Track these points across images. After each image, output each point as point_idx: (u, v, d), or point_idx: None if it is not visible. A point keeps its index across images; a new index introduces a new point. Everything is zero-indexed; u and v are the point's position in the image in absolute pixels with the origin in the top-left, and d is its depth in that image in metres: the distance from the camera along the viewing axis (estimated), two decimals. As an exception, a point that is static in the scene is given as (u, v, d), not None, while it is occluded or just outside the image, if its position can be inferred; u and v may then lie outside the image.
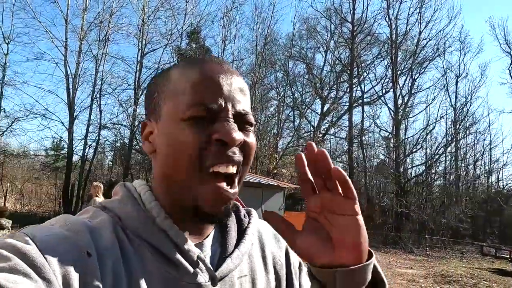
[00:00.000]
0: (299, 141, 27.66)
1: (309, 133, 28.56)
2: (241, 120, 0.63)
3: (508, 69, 28.16)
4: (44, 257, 0.48)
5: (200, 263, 0.62)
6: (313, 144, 0.57)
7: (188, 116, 0.60)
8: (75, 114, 18.80)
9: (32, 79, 32.97)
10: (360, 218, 0.56)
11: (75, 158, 20.05)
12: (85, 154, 19.78)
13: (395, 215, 20.68)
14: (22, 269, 0.46)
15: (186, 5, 20.59)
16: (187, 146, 0.60)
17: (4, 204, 18.95)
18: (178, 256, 0.60)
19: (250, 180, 9.90)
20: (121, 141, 20.89)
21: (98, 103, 19.56)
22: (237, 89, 0.64)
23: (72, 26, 18.32)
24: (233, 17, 22.74)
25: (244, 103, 0.64)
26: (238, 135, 0.60)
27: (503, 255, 16.64)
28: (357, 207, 0.56)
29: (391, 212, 21.94)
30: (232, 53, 22.85)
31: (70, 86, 18.57)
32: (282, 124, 27.17)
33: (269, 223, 0.61)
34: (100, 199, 6.11)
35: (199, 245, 0.66)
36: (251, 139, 0.65)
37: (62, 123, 18.98)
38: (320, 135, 27.77)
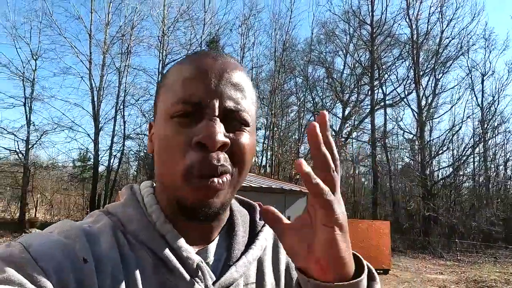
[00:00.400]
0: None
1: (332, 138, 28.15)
2: (232, 118, 0.57)
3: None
4: (39, 266, 0.48)
5: (200, 271, 0.58)
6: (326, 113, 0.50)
7: (174, 113, 0.57)
8: (100, 125, 19.34)
9: (59, 93, 34.12)
10: (338, 233, 0.47)
11: (101, 168, 20.61)
12: (111, 164, 20.29)
13: (422, 219, 20.15)
14: (17, 280, 0.45)
15: (204, 15, 20.95)
16: (171, 146, 0.56)
17: (35, 215, 19.61)
18: (176, 263, 0.57)
19: (273, 186, 9.88)
20: (145, 151, 21.32)
21: (122, 114, 20.08)
22: (229, 84, 0.58)
23: (95, 40, 18.94)
24: (251, 24, 22.96)
25: (237, 100, 0.58)
26: (220, 137, 0.54)
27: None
28: (337, 218, 0.47)
29: (418, 216, 21.39)
30: (251, 60, 23.03)
31: (95, 99, 19.16)
32: (303, 129, 27.06)
33: (261, 216, 0.57)
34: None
35: (203, 251, 0.62)
36: (244, 139, 0.58)
37: (88, 134, 19.56)
38: (342, 139, 27.47)
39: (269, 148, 22.18)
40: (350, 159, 28.30)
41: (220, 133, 0.54)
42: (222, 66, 0.59)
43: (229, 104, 0.57)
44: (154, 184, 0.68)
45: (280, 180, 16.14)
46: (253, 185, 9.47)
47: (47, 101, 19.10)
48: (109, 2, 17.93)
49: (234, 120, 0.57)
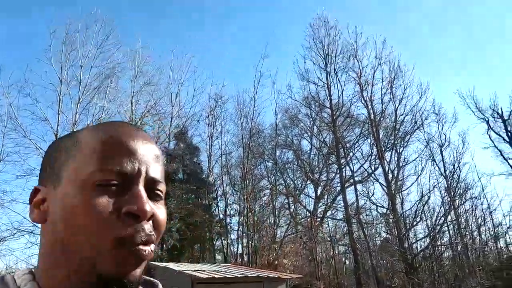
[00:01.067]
0: (297, 228, 27.00)
1: (306, 219, 28.06)
2: (154, 189, 0.58)
3: (487, 134, 29.42)
4: None
5: None
6: None
7: (97, 181, 0.54)
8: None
9: (21, 196, 32.58)
10: None
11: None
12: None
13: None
14: None
15: (172, 108, 21.77)
16: (94, 216, 0.52)
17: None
18: None
19: (249, 275, 9.35)
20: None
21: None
22: (153, 155, 0.59)
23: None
24: (217, 114, 23.89)
25: (159, 171, 0.60)
26: (149, 208, 0.54)
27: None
28: None
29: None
30: (220, 147, 23.49)
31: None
32: (277, 212, 26.82)
33: None
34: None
35: None
36: (163, 210, 0.59)
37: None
38: (318, 219, 27.29)
39: (244, 235, 21.52)
40: (328, 239, 27.82)
41: (149, 203, 0.54)
42: (144, 137, 0.60)
43: (153, 175, 0.58)
44: (33, 270, 0.60)
45: (258, 268, 15.39)
46: (228, 275, 8.95)
47: (8, 205, 18.13)
48: (77, 102, 18.32)
49: (155, 191, 0.59)
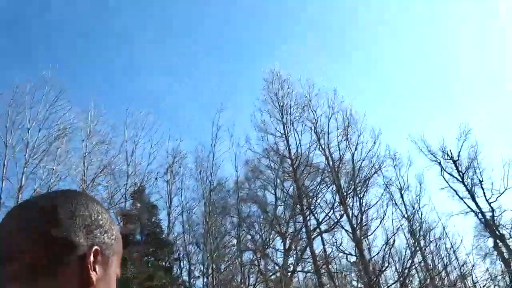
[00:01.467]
0: (267, 284, 25.78)
1: (275, 273, 26.97)
2: None
3: (441, 175, 30.74)
4: None
5: None
6: None
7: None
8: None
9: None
10: None
11: None
12: None
13: None
14: None
15: (127, 167, 21.02)
16: None
17: None
18: None
19: None
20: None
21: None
22: None
23: (5, 208, 17.44)
24: (176, 171, 23.34)
25: None
26: None
27: None
28: None
29: None
30: (180, 204, 22.65)
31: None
32: (245, 269, 25.60)
33: None
34: None
35: None
36: None
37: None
38: (289, 273, 26.30)
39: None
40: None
41: None
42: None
43: None
44: None
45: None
46: None
47: None
48: (22, 167, 17.27)
49: None
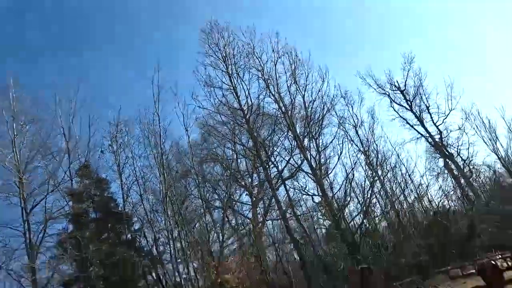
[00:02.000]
0: (242, 241, 25.88)
1: (247, 227, 27.07)
2: None
3: (391, 106, 31.43)
4: None
5: None
6: None
7: None
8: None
9: None
10: None
11: None
12: None
13: (360, 275, 19.17)
14: None
15: (67, 144, 19.24)
16: None
17: None
18: None
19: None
20: None
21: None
22: None
23: None
24: (122, 140, 21.76)
25: None
26: None
27: (469, 272, 16.07)
28: None
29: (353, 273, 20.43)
30: (132, 174, 21.30)
31: None
32: (215, 228, 25.29)
33: None
34: None
35: None
36: None
37: None
38: (259, 224, 26.42)
39: (179, 261, 19.64)
40: (272, 242, 27.14)
41: None
42: None
43: None
44: None
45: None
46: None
47: None
48: None
49: None
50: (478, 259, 14.51)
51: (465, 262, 17.88)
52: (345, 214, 24.10)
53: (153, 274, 20.02)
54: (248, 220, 27.73)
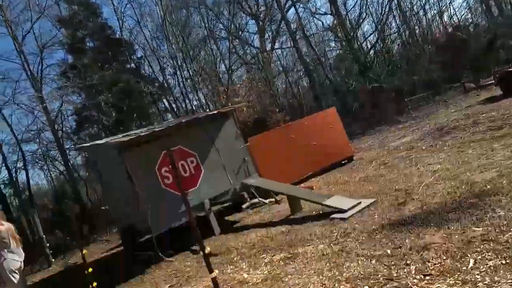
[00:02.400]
0: (250, 67, 25.08)
1: (255, 57, 25.93)
2: None
3: None
4: None
5: None
6: None
7: None
8: None
9: None
10: None
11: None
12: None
13: (368, 93, 19.08)
14: None
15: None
16: None
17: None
18: None
19: (183, 121, 7.69)
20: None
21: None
22: None
23: None
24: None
25: None
26: None
27: (486, 84, 15.68)
28: None
29: (364, 92, 20.35)
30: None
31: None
32: (224, 57, 24.25)
33: None
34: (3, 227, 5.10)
35: None
36: None
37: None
38: (267, 52, 25.21)
39: (189, 87, 19.46)
40: (282, 69, 26.46)
41: None
42: None
43: None
44: None
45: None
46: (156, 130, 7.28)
47: None
48: None
49: None
50: (498, 70, 13.76)
51: (480, 77, 17.42)
52: (358, 34, 22.59)
53: (164, 101, 20.19)
54: (256, 50, 26.42)
